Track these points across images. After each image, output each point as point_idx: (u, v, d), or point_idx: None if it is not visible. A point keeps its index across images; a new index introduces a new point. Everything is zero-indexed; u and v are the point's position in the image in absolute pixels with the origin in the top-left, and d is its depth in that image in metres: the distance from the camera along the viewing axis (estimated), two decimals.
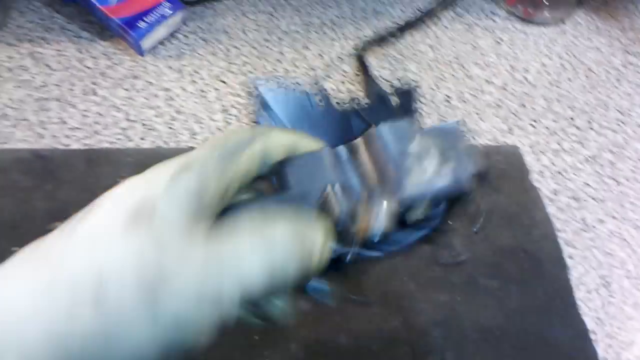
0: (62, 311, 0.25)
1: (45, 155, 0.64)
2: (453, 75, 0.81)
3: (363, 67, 0.76)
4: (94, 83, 0.77)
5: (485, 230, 0.59)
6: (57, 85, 0.76)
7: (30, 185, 0.61)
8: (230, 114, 0.75)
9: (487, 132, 0.74)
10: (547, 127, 0.74)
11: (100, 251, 0.26)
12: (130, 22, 0.78)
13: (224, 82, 0.79)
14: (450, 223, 0.55)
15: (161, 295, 0.25)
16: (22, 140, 0.70)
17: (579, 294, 0.59)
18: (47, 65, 0.78)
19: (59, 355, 0.24)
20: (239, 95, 0.77)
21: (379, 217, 0.34)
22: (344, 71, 0.81)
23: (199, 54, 0.82)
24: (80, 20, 0.83)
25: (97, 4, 0.78)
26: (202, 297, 0.26)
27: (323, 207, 0.33)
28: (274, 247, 0.28)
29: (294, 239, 0.29)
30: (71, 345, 0.24)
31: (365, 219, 0.34)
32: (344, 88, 0.79)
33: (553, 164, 0.70)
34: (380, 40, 0.80)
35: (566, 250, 0.62)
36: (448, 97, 0.78)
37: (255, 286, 0.27)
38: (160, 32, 0.80)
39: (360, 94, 0.78)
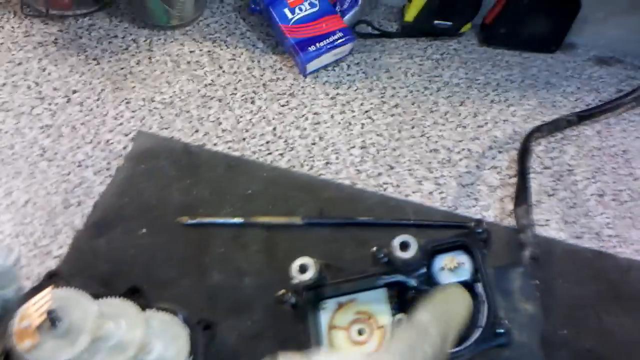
0: None
1: (194, 152, 0.69)
2: (615, 170, 0.74)
3: (523, 149, 0.71)
4: (254, 92, 0.82)
5: (600, 351, 0.53)
6: (223, 86, 0.82)
7: (173, 175, 0.67)
8: (368, 152, 0.75)
9: (636, 242, 0.66)
10: None
11: None
12: (303, 44, 0.81)
13: (371, 119, 0.79)
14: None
15: None
16: (180, 129, 0.76)
17: None
18: (220, 66, 0.85)
19: None
20: (381, 136, 0.77)
21: None
22: (495, 136, 0.78)
23: (356, 86, 0.83)
24: (260, 31, 0.89)
25: (278, 21, 0.83)
26: None
27: None
28: None
29: None
30: None
31: None
32: (489, 154, 0.76)
33: None
34: (554, 125, 0.75)
35: None
36: (602, 192, 0.72)
37: None
38: (327, 57, 0.83)
39: (502, 164, 0.74)
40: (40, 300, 0.51)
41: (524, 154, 0.70)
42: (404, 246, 0.50)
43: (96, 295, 0.54)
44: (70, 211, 0.69)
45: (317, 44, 0.82)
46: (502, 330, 0.45)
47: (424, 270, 0.51)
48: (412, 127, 0.79)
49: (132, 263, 0.60)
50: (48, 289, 0.52)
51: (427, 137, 0.78)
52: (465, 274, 0.50)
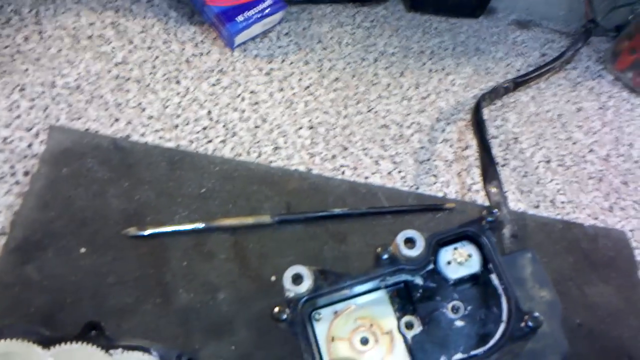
0: None
1: (125, 148, 0.58)
2: (554, 134, 0.76)
3: (478, 123, 0.69)
4: (177, 70, 0.71)
5: (589, 324, 0.54)
6: (138, 65, 0.70)
7: (106, 177, 0.56)
8: (318, 133, 0.69)
9: (587, 206, 0.68)
10: None
11: None
12: (229, 14, 0.72)
13: (313, 95, 0.73)
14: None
15: None
16: (95, 119, 0.64)
17: None
18: (130, 41, 0.72)
19: None
20: (328, 114, 0.72)
21: None
22: (440, 107, 0.76)
23: (290, 59, 0.76)
24: None
25: None
26: None
27: None
28: None
29: None
30: None
31: None
32: (438, 126, 0.73)
33: None
34: (494, 93, 0.74)
35: None
36: (548, 158, 0.73)
37: None
38: (256, 28, 0.75)
39: (452, 136, 0.72)
40: None
41: (479, 126, 0.68)
42: (409, 242, 0.46)
43: (44, 342, 0.43)
44: None
45: (246, 13, 0.73)
46: (533, 325, 0.42)
47: (430, 267, 0.47)
48: (358, 103, 0.74)
49: (76, 291, 0.49)
50: None
51: (375, 112, 0.73)
52: (475, 265, 0.47)
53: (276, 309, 0.45)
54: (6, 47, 0.68)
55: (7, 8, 0.71)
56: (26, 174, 0.59)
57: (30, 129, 0.62)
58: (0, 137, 0.61)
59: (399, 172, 0.68)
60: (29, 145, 0.61)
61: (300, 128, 0.69)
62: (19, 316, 0.47)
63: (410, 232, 0.46)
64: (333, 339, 0.47)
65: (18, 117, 0.63)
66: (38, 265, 0.49)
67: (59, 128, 0.59)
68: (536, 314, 0.42)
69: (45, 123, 0.63)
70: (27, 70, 0.67)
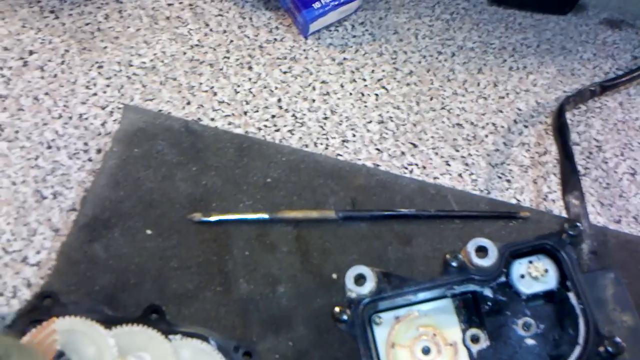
0: None
1: (196, 131, 0.58)
2: None
3: (560, 128, 0.65)
4: (250, 55, 0.70)
5: None
6: (212, 48, 0.70)
7: (176, 161, 0.56)
8: (387, 128, 0.67)
9: None
10: None
11: None
12: (305, 0, 0.70)
13: (385, 89, 0.71)
14: None
15: None
16: (168, 101, 0.65)
17: None
18: (206, 24, 0.72)
19: None
20: (399, 109, 0.69)
21: None
22: (519, 109, 0.72)
23: (364, 50, 0.74)
24: None
25: None
26: None
27: None
28: None
29: None
30: None
31: None
32: (515, 128, 0.70)
33: None
34: (579, 97, 0.69)
35: None
36: (633, 170, 0.68)
37: None
38: (332, 16, 0.73)
39: (530, 140, 0.68)
40: (42, 338, 0.40)
41: (562, 131, 0.64)
42: (481, 251, 0.44)
43: (106, 321, 0.44)
44: (44, 205, 0.56)
45: (322, 0, 0.71)
46: (613, 351, 0.39)
47: (502, 279, 0.45)
48: (431, 99, 0.71)
49: (140, 273, 0.49)
50: (50, 322, 0.41)
51: (448, 110, 0.70)
52: (551, 282, 0.44)
53: (337, 309, 0.44)
54: (87, 24, 0.69)
55: None
56: (99, 151, 0.60)
57: (105, 107, 0.63)
58: (77, 113, 0.63)
59: (470, 174, 0.65)
60: (103, 124, 0.62)
61: (370, 122, 0.68)
62: (84, 293, 0.48)
63: (482, 241, 0.44)
64: (393, 345, 0.45)
65: (94, 94, 0.64)
66: (105, 244, 0.50)
67: (133, 108, 0.60)
68: (617, 339, 0.39)
69: (119, 102, 0.63)
70: (105, 48, 0.68)
